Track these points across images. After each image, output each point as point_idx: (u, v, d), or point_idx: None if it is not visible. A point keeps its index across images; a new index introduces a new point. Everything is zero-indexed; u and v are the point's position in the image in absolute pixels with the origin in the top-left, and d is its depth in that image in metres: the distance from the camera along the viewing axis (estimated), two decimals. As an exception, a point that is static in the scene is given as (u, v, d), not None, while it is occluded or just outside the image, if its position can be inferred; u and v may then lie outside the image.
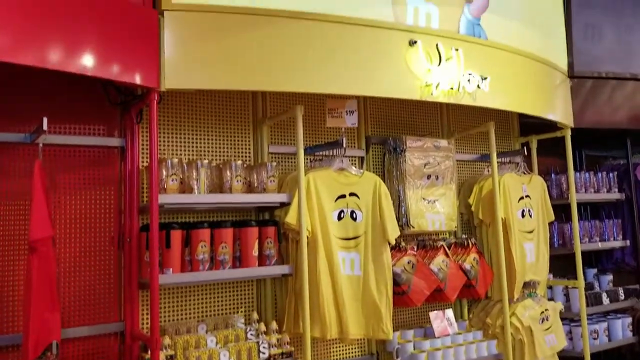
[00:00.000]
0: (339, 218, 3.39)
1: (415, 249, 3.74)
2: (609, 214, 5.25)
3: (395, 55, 3.34)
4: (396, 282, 3.52)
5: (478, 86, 3.59)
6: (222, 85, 2.97)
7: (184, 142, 3.30)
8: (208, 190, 3.05)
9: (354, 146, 3.93)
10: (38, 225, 2.47)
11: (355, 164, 3.85)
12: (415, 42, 3.38)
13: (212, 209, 3.30)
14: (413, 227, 3.76)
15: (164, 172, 2.92)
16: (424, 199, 3.87)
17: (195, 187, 2.99)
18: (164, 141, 3.23)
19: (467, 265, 3.90)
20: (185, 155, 3.28)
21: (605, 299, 4.90)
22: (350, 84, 3.21)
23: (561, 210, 4.74)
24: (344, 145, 3.48)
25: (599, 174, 5.13)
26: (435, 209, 3.90)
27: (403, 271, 3.58)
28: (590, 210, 5.44)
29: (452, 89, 3.47)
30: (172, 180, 2.93)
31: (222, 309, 3.33)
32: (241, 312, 3.35)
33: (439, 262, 3.76)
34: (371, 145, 3.98)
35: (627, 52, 4.93)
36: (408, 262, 3.61)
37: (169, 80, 2.75)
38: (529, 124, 4.69)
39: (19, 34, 2.27)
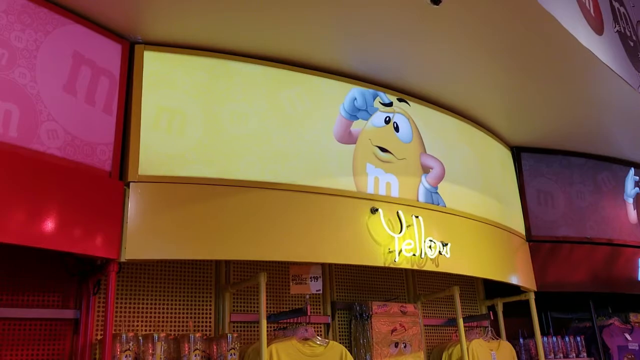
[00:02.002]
0: (303, 393, 3.22)
1: None
2: (582, 380, 5.11)
3: (358, 222, 3.43)
4: None
5: (440, 252, 3.65)
6: (185, 255, 2.96)
7: (142, 312, 3.20)
8: (164, 365, 2.90)
9: (319, 312, 3.86)
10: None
11: (320, 331, 3.76)
12: (377, 209, 3.49)
13: (168, 385, 3.11)
14: (381, 401, 3.58)
15: (118, 348, 2.78)
16: (392, 368, 3.73)
17: (151, 362, 2.85)
18: (120, 311, 3.13)
19: None
20: (142, 325, 3.16)
21: None
22: (313, 251, 3.24)
23: (533, 377, 4.61)
24: (309, 313, 3.42)
25: (567, 338, 5.08)
26: (404, 379, 3.76)
27: None
28: (563, 376, 5.29)
29: (414, 255, 3.53)
30: (126, 356, 2.78)
31: None
32: None
33: None
34: (337, 310, 3.92)
35: (580, 216, 5.16)
36: None
37: (130, 250, 2.73)
38: (494, 287, 4.72)
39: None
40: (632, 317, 5.50)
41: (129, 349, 2.80)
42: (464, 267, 3.86)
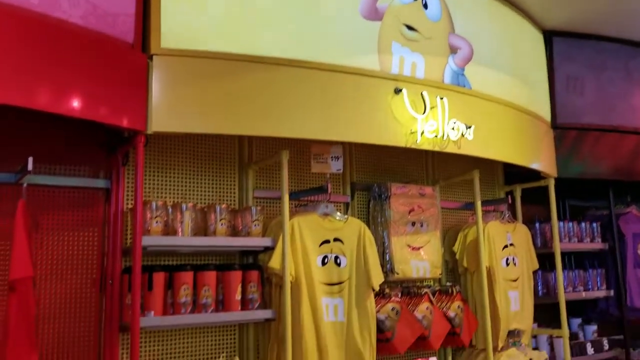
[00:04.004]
0: (323, 263, 3.38)
1: (400, 296, 3.72)
2: (593, 264, 5.27)
3: (381, 102, 3.41)
4: (380, 329, 3.49)
5: (462, 135, 3.65)
6: (208, 129, 3.01)
7: (169, 184, 3.32)
8: (192, 232, 3.05)
9: (339, 192, 3.96)
10: (18, 265, 2.44)
11: (340, 210, 3.87)
12: (401, 90, 3.46)
13: (196, 252, 3.29)
14: (397, 274, 3.75)
15: (148, 214, 2.92)
16: (408, 245, 3.88)
17: (180, 229, 2.99)
18: (149, 183, 3.25)
19: (451, 313, 3.88)
20: (170, 197, 3.29)
21: (590, 349, 4.88)
22: (335, 130, 3.26)
23: (545, 259, 4.76)
24: (329, 191, 3.51)
25: (583, 224, 5.18)
26: (419, 256, 3.90)
27: (387, 318, 3.55)
28: (575, 260, 5.46)
29: (436, 136, 3.54)
30: (156, 222, 2.93)
31: (203, 354, 3.28)
32: (223, 357, 3.29)
33: (423, 309, 3.74)
34: (356, 191, 4.01)
35: (609, 104, 5.07)
36: (392, 309, 3.59)
37: (156, 123, 2.78)
38: (513, 173, 4.76)
39: (8, 75, 2.30)
40: (651, 205, 5.55)
41: (158, 216, 2.94)
42: (486, 150, 3.87)
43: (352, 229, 3.51)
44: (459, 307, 3.93)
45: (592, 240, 5.21)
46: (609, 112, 5.05)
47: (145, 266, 2.88)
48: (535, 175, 4.52)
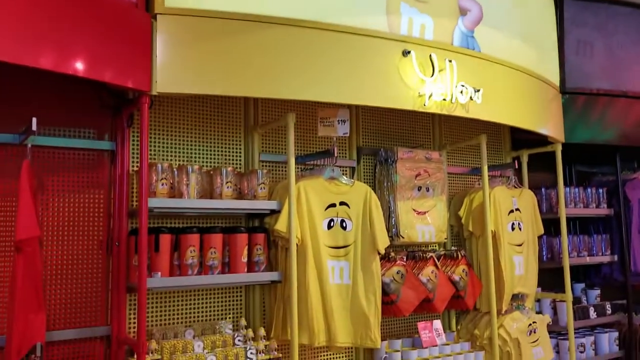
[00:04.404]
0: (329, 227, 3.39)
1: (405, 260, 3.74)
2: (598, 229, 5.28)
3: (389, 65, 3.35)
4: (385, 292, 3.52)
5: (471, 98, 3.59)
6: (213, 90, 2.97)
7: (175, 146, 3.30)
8: (198, 195, 3.05)
9: (345, 156, 3.93)
10: (24, 225, 2.44)
11: (346, 174, 3.86)
12: (409, 52, 3.39)
13: (202, 215, 3.29)
14: (403, 238, 3.76)
15: (154, 177, 2.91)
16: (414, 210, 3.87)
17: (186, 192, 2.99)
18: (154, 145, 3.22)
19: (456, 277, 3.90)
20: (175, 160, 3.28)
21: (593, 313, 4.92)
22: (342, 92, 3.21)
23: (550, 225, 4.76)
24: (335, 155, 3.49)
25: (589, 190, 5.17)
26: (425, 220, 3.90)
27: (392, 281, 3.57)
28: (580, 225, 5.46)
29: (444, 100, 3.49)
30: (162, 184, 2.92)
31: (210, 315, 3.32)
32: (229, 318, 3.33)
33: (428, 272, 3.76)
34: (362, 156, 3.99)
35: (619, 69, 4.98)
36: (397, 272, 3.61)
37: (161, 84, 2.74)
38: (521, 139, 4.72)
39: (12, 34, 2.27)
40: (657, 172, 5.52)
41: (164, 178, 2.93)
42: (495, 114, 3.82)
43: (358, 192, 3.50)
44: (463, 270, 3.95)
45: (597, 206, 5.20)
46: (619, 78, 4.97)
47: (152, 228, 2.89)
48: (542, 140, 4.49)
